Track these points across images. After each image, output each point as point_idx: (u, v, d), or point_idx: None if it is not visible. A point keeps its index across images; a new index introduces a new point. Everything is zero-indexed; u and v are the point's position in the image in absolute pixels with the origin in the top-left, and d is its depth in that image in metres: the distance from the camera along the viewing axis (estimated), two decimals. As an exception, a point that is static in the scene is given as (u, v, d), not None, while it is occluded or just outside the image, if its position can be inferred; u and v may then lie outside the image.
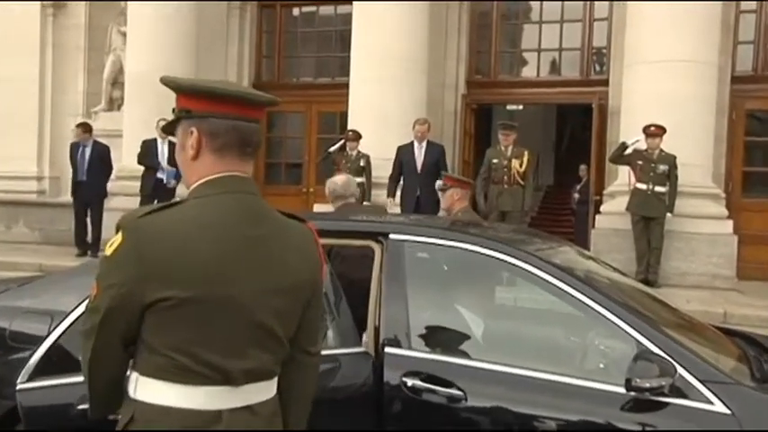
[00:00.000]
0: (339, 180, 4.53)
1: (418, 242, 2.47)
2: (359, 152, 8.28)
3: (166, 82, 1.47)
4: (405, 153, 7.70)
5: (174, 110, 1.49)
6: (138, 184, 8.69)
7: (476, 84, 10.32)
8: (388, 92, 8.36)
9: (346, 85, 8.86)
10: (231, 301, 1.38)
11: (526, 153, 7.77)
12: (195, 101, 1.44)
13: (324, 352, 2.45)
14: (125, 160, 9.46)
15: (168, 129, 1.52)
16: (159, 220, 1.38)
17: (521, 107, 10.96)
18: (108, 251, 1.39)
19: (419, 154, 7.69)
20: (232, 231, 1.40)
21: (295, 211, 1.58)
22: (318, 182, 11.29)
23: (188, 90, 1.45)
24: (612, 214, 7.95)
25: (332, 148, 8.49)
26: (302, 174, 11.07)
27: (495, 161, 7.73)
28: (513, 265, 2.35)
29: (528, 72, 10.58)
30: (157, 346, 1.36)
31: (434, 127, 9.57)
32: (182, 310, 1.35)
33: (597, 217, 8.26)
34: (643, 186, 7.47)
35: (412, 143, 7.75)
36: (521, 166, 7.68)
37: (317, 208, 9.16)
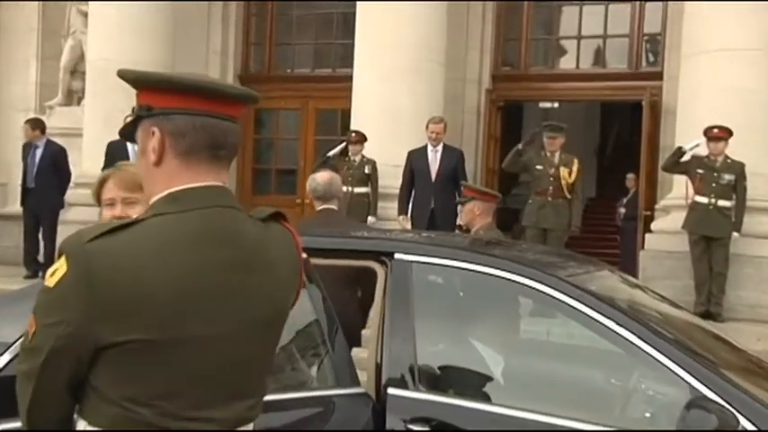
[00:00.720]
0: (321, 178, 4.47)
1: (428, 264, 2.49)
2: (363, 157, 8.32)
3: (122, 74, 1.47)
4: (417, 159, 7.72)
5: (133, 109, 1.48)
6: (100, 192, 8.73)
7: (503, 77, 10.37)
8: (399, 86, 8.42)
9: (349, 78, 8.93)
10: (204, 342, 1.37)
11: (576, 161, 7.78)
12: (157, 95, 1.44)
13: (316, 393, 2.49)
14: (85, 165, 9.52)
15: (127, 132, 1.50)
16: (113, 245, 1.34)
17: (556, 105, 11.01)
18: (49, 281, 1.35)
19: (434, 159, 7.71)
20: (204, 257, 1.38)
21: (272, 209, 1.58)
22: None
23: (147, 82, 1.45)
24: (666, 233, 7.94)
25: (331, 152, 8.53)
26: (296, 182, 11.14)
27: (538, 168, 7.75)
28: (542, 292, 2.36)
29: (566, 63, 10.62)
30: (113, 396, 1.34)
31: (453, 128, 9.60)
32: (143, 355, 1.33)
33: (647, 236, 8.24)
34: (704, 200, 7.46)
35: (425, 147, 7.78)
36: (569, 175, 7.69)
37: (313, 223, 9.13)
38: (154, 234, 1.38)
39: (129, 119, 1.52)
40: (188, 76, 1.47)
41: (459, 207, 5.33)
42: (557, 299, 2.35)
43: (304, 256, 2.57)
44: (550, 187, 7.67)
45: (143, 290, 1.33)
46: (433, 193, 7.67)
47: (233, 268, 1.42)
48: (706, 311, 7.24)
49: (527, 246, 3.83)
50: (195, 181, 1.45)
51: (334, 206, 4.78)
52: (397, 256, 2.49)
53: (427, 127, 7.74)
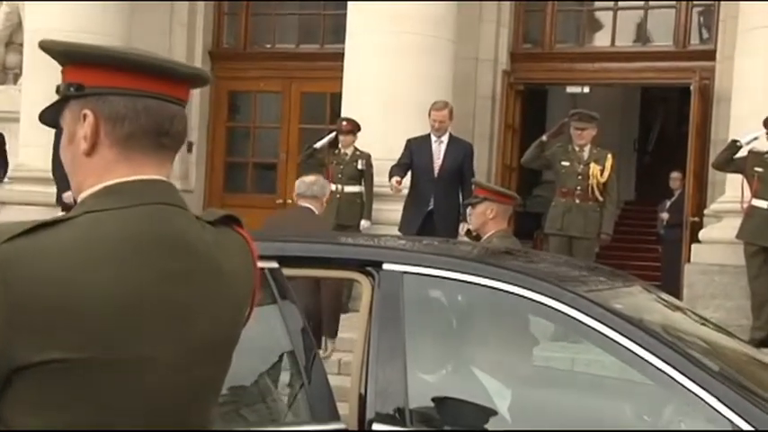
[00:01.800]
0: (308, 179, 5.23)
1: (424, 276, 2.50)
2: (356, 150, 8.34)
3: (46, 46, 1.46)
4: (418, 150, 7.70)
5: (58, 87, 1.47)
6: (42, 189, 8.75)
7: (523, 56, 10.39)
8: (400, 66, 8.45)
9: (341, 56, 8.97)
10: (141, 366, 1.36)
11: (610, 157, 7.80)
12: (90, 72, 1.43)
13: (289, 429, 2.49)
14: (23, 155, 9.52)
15: (48, 116, 1.49)
16: (35, 248, 1.32)
17: (587, 90, 10.99)
18: None
19: (438, 152, 7.70)
20: (143, 264, 1.37)
21: (224, 212, 1.58)
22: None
23: (78, 56, 1.44)
24: (717, 243, 7.95)
25: (318, 144, 8.55)
26: (276, 178, 11.20)
27: (564, 164, 7.77)
28: (558, 311, 2.38)
29: (599, 40, 10.66)
30: (32, 423, 1.33)
31: (464, 116, 9.64)
32: (67, 379, 1.32)
33: (694, 247, 8.26)
34: (763, 204, 7.48)
35: (428, 137, 7.78)
36: (601, 174, 7.71)
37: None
38: (84, 235, 1.36)
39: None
40: (128, 50, 1.47)
41: (468, 209, 5.35)
42: (576, 319, 2.36)
43: (272, 265, 2.61)
44: (578, 187, 7.70)
45: (69, 302, 1.32)
46: (433, 191, 7.65)
47: (177, 279, 1.42)
48: (765, 338, 7.24)
49: (547, 257, 3.84)
50: (134, 174, 1.45)
51: (310, 206, 5.66)
52: (386, 266, 2.51)
53: (429, 113, 7.74)
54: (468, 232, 5.51)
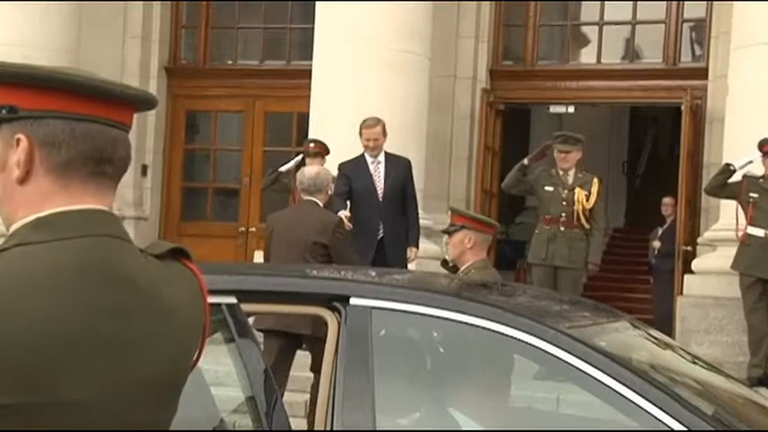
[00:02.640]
0: (308, 171, 5.46)
1: (395, 311, 2.51)
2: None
3: None
4: (355, 173, 7.53)
5: None
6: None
7: (504, 74, 10.49)
8: (372, 84, 8.52)
9: (308, 73, 9.03)
10: (77, 408, 1.35)
11: (596, 182, 7.86)
12: (22, 93, 1.41)
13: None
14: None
15: None
16: None
17: (572, 110, 11.11)
18: None
19: (376, 172, 7.56)
20: (81, 301, 1.37)
21: (171, 244, 1.57)
22: (264, 217, 11.23)
23: (6, 75, 1.42)
24: (711, 274, 8.02)
25: (284, 167, 8.55)
26: (239, 205, 11.21)
27: (548, 189, 7.82)
28: (539, 349, 2.39)
29: (585, 57, 10.80)
30: None
31: (439, 138, 9.70)
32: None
33: (687, 278, 8.31)
34: (759, 232, 7.54)
35: (362, 158, 7.65)
36: (587, 199, 7.77)
37: (259, 257, 9.10)
38: (15, 269, 1.36)
39: None
40: (66, 70, 1.46)
41: (444, 238, 5.36)
42: (558, 358, 2.37)
43: (230, 300, 2.59)
44: (563, 214, 7.75)
45: None
46: (380, 216, 7.44)
47: (114, 316, 1.40)
48: (763, 376, 7.28)
49: (528, 290, 3.85)
50: (72, 203, 1.43)
51: (317, 199, 5.96)
52: (353, 300, 2.51)
53: (361, 133, 7.62)
54: (444, 263, 5.51)
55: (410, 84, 8.68)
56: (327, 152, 8.27)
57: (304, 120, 9.27)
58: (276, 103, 10.92)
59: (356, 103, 8.42)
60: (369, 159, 7.53)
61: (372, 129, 7.48)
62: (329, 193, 6.35)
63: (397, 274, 3.30)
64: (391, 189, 7.47)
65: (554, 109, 11.53)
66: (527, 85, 10.48)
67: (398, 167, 7.59)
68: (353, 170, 7.47)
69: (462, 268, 5.08)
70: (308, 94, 8.90)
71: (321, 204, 6.10)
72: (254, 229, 10.74)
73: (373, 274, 3.13)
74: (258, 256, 9.26)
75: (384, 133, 7.55)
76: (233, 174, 11.48)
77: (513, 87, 10.44)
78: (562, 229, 7.75)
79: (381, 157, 7.55)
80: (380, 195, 7.46)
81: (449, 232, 5.27)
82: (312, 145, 8.29)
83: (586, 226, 7.79)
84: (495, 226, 5.55)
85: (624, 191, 16.65)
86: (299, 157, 8.54)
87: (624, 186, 16.69)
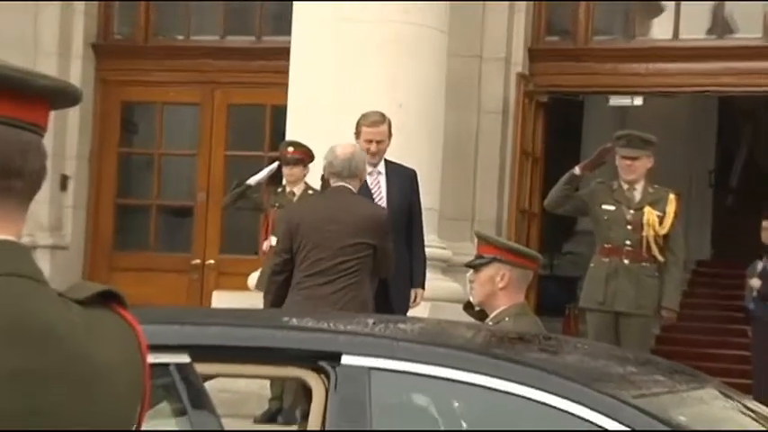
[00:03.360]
0: (341, 151, 5.86)
1: (401, 372, 2.52)
2: (308, 188, 8.35)
3: None
4: None
5: None
6: None
7: (548, 54, 10.53)
8: (368, 68, 8.53)
9: (285, 53, 9.07)
10: None
11: (672, 198, 7.85)
12: None
13: None
14: None
15: None
16: None
17: (639, 101, 11.11)
18: None
19: (377, 186, 7.55)
20: None
21: (100, 286, 1.58)
22: (227, 245, 11.35)
23: None
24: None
25: (254, 179, 8.61)
26: (192, 229, 11.24)
27: (607, 208, 7.80)
28: (594, 424, 2.40)
29: (657, 31, 10.86)
30: None
31: (460, 139, 9.69)
32: None
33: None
34: None
35: None
36: (660, 222, 7.75)
37: (219, 299, 9.12)
38: None
39: None
40: None
41: (468, 273, 5.34)
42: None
43: (180, 360, 2.59)
44: (628, 242, 7.73)
45: None
46: None
47: (30, 382, 1.42)
48: None
49: (582, 344, 3.85)
50: None
51: (351, 186, 6.26)
52: (346, 359, 2.52)
53: (358, 131, 7.58)
54: (468, 306, 5.49)
55: (421, 67, 8.69)
56: (311, 158, 8.29)
57: (279, 115, 9.30)
58: (242, 92, 10.99)
59: (349, 92, 8.44)
60: (367, 169, 7.51)
61: (377, 127, 7.41)
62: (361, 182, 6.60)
63: (403, 322, 3.32)
64: (396, 209, 7.44)
65: (615, 101, 11.54)
66: (579, 69, 10.48)
67: (404, 181, 7.56)
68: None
69: (492, 315, 5.06)
70: (286, 80, 8.93)
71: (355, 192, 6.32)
72: (212, 261, 10.75)
73: (372, 322, 3.14)
74: (219, 298, 9.27)
75: (390, 134, 7.52)
76: (185, 187, 11.51)
77: (560, 72, 10.47)
78: (626, 262, 7.73)
79: (382, 167, 7.53)
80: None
81: (474, 266, 5.24)
82: (291, 149, 8.32)
83: (659, 258, 7.76)
84: (537, 258, 5.52)
85: (710, 210, 16.59)
86: (274, 165, 8.58)
87: (711, 204, 16.64)
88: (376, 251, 6.12)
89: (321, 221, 6.19)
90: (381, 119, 7.45)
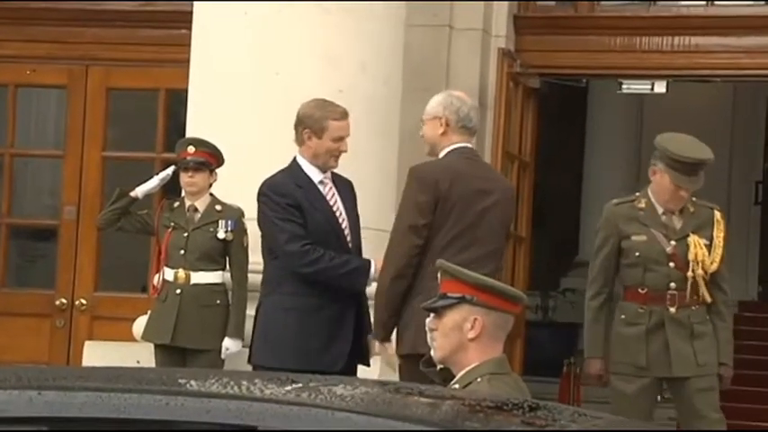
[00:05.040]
0: (464, 95, 6.53)
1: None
2: (215, 202, 8.49)
3: None
4: (307, 199, 7.57)
5: None
6: None
7: (539, 24, 10.71)
8: (295, 40, 8.59)
9: (184, 18, 9.20)
10: None
11: (719, 216, 7.94)
12: None
13: None
14: None
15: None
16: None
17: (661, 88, 11.18)
18: None
19: (332, 199, 7.61)
20: None
21: None
22: (104, 280, 11.34)
23: None
24: None
25: (141, 189, 8.67)
26: (57, 257, 11.22)
27: (637, 239, 7.89)
28: None
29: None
30: None
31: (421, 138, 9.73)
32: None
33: None
34: None
35: (299, 172, 7.62)
36: (708, 252, 7.79)
37: (94, 353, 9.11)
38: None
39: None
40: None
41: (429, 320, 5.37)
42: None
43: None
44: (672, 285, 7.79)
45: None
46: None
47: None
48: None
49: (587, 417, 3.84)
50: None
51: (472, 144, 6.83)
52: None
53: (319, 129, 7.60)
54: (428, 363, 5.51)
55: (370, 40, 8.79)
56: (219, 162, 8.34)
57: (177, 102, 9.30)
58: (126, 72, 11.02)
59: (268, 73, 8.51)
60: (315, 176, 7.58)
61: (346, 120, 7.55)
62: None
63: (340, 385, 3.33)
64: (354, 229, 7.58)
65: (630, 86, 11.61)
66: (581, 44, 10.60)
67: (349, 190, 7.68)
68: (303, 194, 7.57)
69: (459, 375, 5.09)
70: (186, 56, 8.98)
71: None
72: (84, 301, 10.71)
73: (299, 386, 3.15)
74: (93, 352, 9.24)
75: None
76: (46, 200, 11.49)
77: (556, 48, 10.60)
78: (672, 310, 7.81)
79: (328, 176, 7.63)
80: (349, 239, 7.64)
81: (435, 309, 5.26)
82: (192, 150, 8.38)
83: (707, 299, 7.86)
84: (520, 299, 5.52)
85: (758, 235, 16.69)
86: (170, 169, 8.62)
87: (758, 228, 16.74)
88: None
89: (473, 194, 6.68)
90: (345, 112, 7.59)
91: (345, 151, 7.49)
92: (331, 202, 7.54)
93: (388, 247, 7.22)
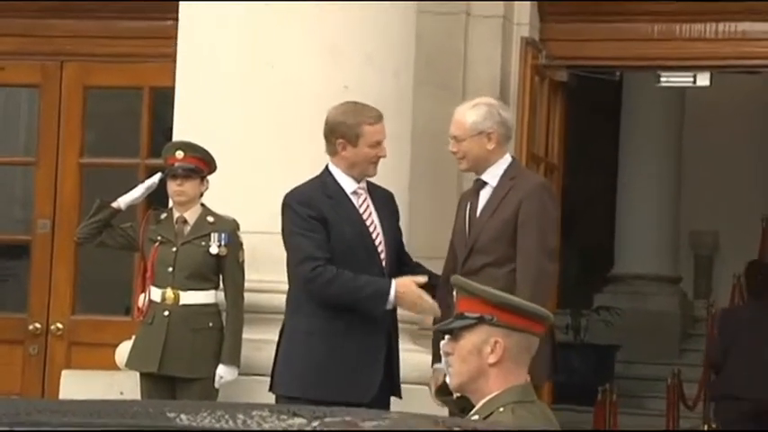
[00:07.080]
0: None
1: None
2: (206, 213, 8.51)
3: None
4: (335, 212, 7.64)
5: None
6: None
7: (567, 11, 10.75)
8: (296, 33, 8.63)
9: (170, 10, 9.29)
10: None
11: None
12: None
13: None
14: None
15: None
16: None
17: (704, 81, 11.19)
18: None
19: (366, 213, 7.65)
20: None
21: None
22: (83, 301, 11.24)
23: None
24: None
25: (124, 199, 8.71)
26: (30, 276, 11.27)
27: None
28: None
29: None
30: None
31: (438, 134, 9.69)
32: None
33: None
34: None
35: (334, 183, 7.68)
36: None
37: (72, 383, 9.13)
38: None
39: None
40: None
41: (443, 343, 5.37)
42: None
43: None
44: None
45: None
46: None
47: None
48: None
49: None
50: None
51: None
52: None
53: (353, 137, 7.63)
54: (443, 391, 5.52)
55: (376, 30, 8.82)
56: (211, 169, 8.36)
57: (163, 102, 9.32)
58: (106, 69, 11.07)
59: (263, 68, 8.50)
60: (347, 186, 7.61)
61: (380, 124, 7.61)
62: None
63: (346, 416, 3.33)
64: (392, 245, 7.63)
65: (669, 79, 11.62)
66: (614, 33, 10.65)
67: (389, 204, 7.80)
68: (332, 206, 7.62)
69: (480, 404, 5.09)
70: (173, 50, 9.02)
71: None
72: (60, 326, 10.73)
73: (303, 420, 3.15)
74: (71, 381, 9.26)
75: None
76: (17, 213, 11.53)
77: (586, 37, 10.65)
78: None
79: (363, 186, 7.68)
80: (383, 256, 7.66)
81: (451, 331, 5.26)
82: (180, 155, 8.40)
83: None
84: (546, 318, 5.52)
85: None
86: (156, 177, 8.65)
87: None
88: None
89: None
90: (380, 114, 7.65)
91: (384, 156, 7.58)
92: (364, 216, 7.61)
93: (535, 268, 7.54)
